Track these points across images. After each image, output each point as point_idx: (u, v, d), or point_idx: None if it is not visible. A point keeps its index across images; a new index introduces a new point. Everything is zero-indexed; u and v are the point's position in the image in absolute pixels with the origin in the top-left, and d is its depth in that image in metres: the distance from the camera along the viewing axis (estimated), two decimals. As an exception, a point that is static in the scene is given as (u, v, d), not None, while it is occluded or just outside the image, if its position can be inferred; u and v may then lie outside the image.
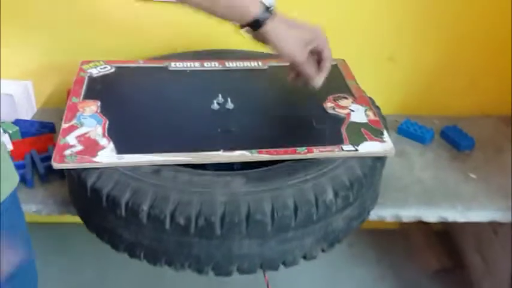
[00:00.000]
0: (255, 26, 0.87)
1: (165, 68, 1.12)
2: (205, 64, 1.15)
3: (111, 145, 0.89)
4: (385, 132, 0.95)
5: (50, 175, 1.06)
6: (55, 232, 1.46)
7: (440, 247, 1.46)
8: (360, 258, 1.44)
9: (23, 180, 1.05)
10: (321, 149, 0.90)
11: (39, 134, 1.16)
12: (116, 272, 1.33)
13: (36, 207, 1.02)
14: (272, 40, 0.89)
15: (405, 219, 1.05)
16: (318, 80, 0.95)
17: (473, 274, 1.38)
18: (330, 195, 0.83)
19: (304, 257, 0.88)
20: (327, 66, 0.95)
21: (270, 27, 0.87)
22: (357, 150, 0.90)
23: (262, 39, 0.90)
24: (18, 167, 1.06)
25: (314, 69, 0.94)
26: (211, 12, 0.87)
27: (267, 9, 0.87)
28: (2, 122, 1.15)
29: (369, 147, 0.92)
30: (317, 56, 0.95)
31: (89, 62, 1.12)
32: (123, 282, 1.35)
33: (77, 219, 0.95)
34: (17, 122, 1.19)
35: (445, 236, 1.51)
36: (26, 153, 1.10)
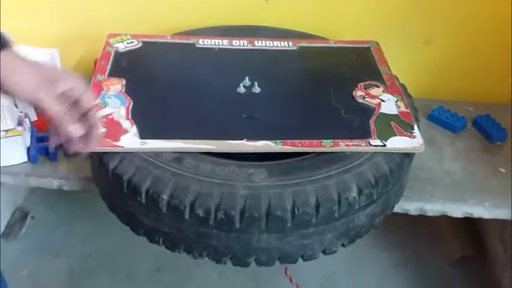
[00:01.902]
0: None
1: (193, 45, 1.10)
2: (233, 42, 1.12)
3: (134, 129, 0.87)
4: (415, 127, 0.92)
5: (74, 149, 1.06)
6: (79, 198, 1.47)
7: (464, 234, 1.43)
8: (383, 241, 1.42)
9: (46, 153, 1.05)
10: (347, 143, 0.87)
11: (64, 105, 1.15)
12: (139, 238, 1.34)
13: (58, 182, 1.03)
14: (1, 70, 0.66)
15: (430, 214, 1.04)
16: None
17: (495, 264, 1.36)
18: (353, 192, 0.81)
19: (324, 252, 0.87)
20: (95, 132, 0.70)
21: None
22: (384, 145, 0.88)
23: None
24: (41, 139, 1.06)
25: (75, 126, 0.69)
26: None
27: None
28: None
29: (398, 143, 0.89)
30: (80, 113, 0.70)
31: (116, 35, 1.10)
32: (147, 248, 1.36)
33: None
34: (42, 91, 1.19)
35: (469, 223, 1.48)
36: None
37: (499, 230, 1.35)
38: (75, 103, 0.71)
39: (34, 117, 1.11)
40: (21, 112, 1.05)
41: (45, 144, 1.05)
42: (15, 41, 0.72)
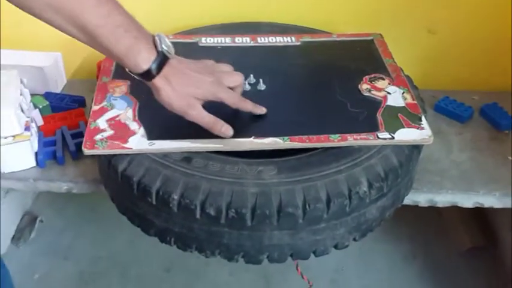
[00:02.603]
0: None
1: (195, 44, 1.10)
2: (236, 40, 1.11)
3: (142, 130, 0.87)
4: (423, 118, 0.92)
5: (81, 152, 1.05)
6: (86, 201, 1.48)
7: (474, 225, 1.43)
8: (392, 234, 1.42)
9: (54, 157, 1.05)
10: (355, 137, 0.87)
11: (69, 109, 1.16)
12: (148, 239, 1.35)
13: (67, 185, 1.02)
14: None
15: (440, 205, 1.03)
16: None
17: (506, 254, 1.36)
18: (364, 186, 0.81)
19: (336, 247, 0.87)
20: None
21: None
22: (393, 138, 0.87)
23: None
24: (48, 143, 1.06)
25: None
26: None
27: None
28: (32, 96, 1.15)
29: (406, 135, 0.88)
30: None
31: (119, 37, 1.09)
32: (156, 249, 1.37)
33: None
34: (47, 96, 1.19)
35: (478, 213, 1.48)
36: (57, 129, 1.10)
37: (510, 219, 1.35)
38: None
39: (40, 121, 1.11)
40: (28, 117, 1.05)
41: (52, 148, 1.05)
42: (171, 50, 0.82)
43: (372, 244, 1.39)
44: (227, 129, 0.85)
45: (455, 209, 1.46)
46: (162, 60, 0.79)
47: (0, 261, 0.90)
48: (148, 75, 0.80)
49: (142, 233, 0.88)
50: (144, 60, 0.78)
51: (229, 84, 0.88)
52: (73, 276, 1.32)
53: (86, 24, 0.75)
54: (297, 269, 1.04)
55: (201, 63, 0.88)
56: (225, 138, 0.86)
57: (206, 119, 0.84)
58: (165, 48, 0.80)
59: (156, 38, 0.80)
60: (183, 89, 0.82)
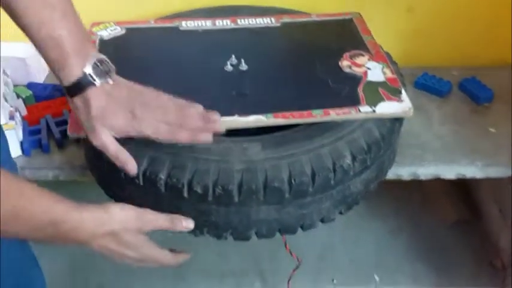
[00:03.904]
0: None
1: (176, 29, 1.10)
2: (216, 23, 1.12)
3: (126, 113, 0.88)
4: (403, 91, 0.93)
5: (66, 140, 1.06)
6: (73, 189, 1.47)
7: (458, 198, 1.46)
8: (377, 211, 1.44)
9: (39, 145, 1.05)
10: (337, 111, 0.88)
11: (52, 98, 1.16)
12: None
13: (53, 173, 1.03)
14: None
15: (423, 177, 1.05)
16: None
17: (491, 226, 1.38)
18: (347, 160, 0.82)
19: (322, 220, 0.88)
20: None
21: None
22: (374, 111, 0.89)
23: None
24: (33, 132, 1.07)
25: (180, 136, 0.79)
26: None
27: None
28: (15, 86, 1.15)
29: (387, 108, 0.90)
30: None
31: (99, 23, 1.10)
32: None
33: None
34: (29, 86, 1.19)
35: (463, 186, 1.51)
36: (41, 118, 1.10)
37: (493, 191, 1.37)
38: None
39: (24, 111, 1.11)
40: (12, 107, 1.05)
41: (37, 136, 1.05)
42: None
43: (359, 221, 1.41)
44: (130, 167, 0.80)
45: (439, 185, 1.49)
46: (85, 82, 0.76)
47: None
48: (68, 92, 0.77)
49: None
50: (66, 76, 0.76)
51: (171, 120, 0.79)
52: (64, 265, 1.32)
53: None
54: (285, 246, 1.06)
55: (145, 92, 0.81)
56: None
57: (110, 148, 0.79)
58: (98, 71, 0.77)
59: (93, 59, 0.77)
60: (97, 115, 0.77)
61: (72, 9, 0.77)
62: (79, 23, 0.77)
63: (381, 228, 1.41)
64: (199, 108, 0.81)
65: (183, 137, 0.79)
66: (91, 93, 0.76)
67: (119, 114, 0.78)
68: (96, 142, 0.79)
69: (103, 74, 0.77)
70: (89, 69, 0.76)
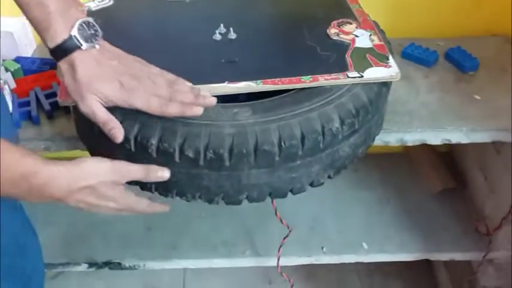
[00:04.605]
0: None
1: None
2: (204, -8, 1.12)
3: (116, 81, 0.88)
4: (390, 57, 0.95)
5: (56, 111, 1.07)
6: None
7: (444, 168, 1.48)
8: (365, 182, 1.47)
9: (29, 117, 1.05)
10: (326, 77, 0.89)
11: (41, 71, 1.16)
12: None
13: (44, 144, 1.03)
14: None
15: (410, 143, 1.07)
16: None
17: (476, 193, 1.41)
18: (336, 123, 0.84)
19: (311, 184, 0.90)
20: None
21: None
22: (362, 76, 0.90)
23: None
24: (23, 104, 1.07)
25: (169, 111, 0.80)
26: None
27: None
28: (4, 60, 1.14)
29: (374, 73, 0.91)
30: None
31: (87, -6, 1.10)
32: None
33: (87, 153, 0.96)
34: (18, 60, 1.19)
35: (448, 157, 1.54)
36: (30, 90, 1.10)
37: (479, 159, 1.40)
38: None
39: (13, 84, 1.11)
40: (1, 79, 1.05)
41: (27, 108, 1.05)
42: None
43: (348, 192, 1.43)
44: (117, 133, 0.80)
45: (426, 154, 1.52)
46: (70, 45, 0.76)
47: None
48: (53, 55, 0.77)
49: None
50: (51, 38, 0.75)
51: (162, 93, 0.80)
52: (56, 239, 1.33)
53: None
54: (276, 214, 1.08)
55: (135, 63, 0.82)
56: (199, 84, 0.87)
57: (97, 114, 0.79)
58: (85, 34, 0.76)
59: (78, 21, 0.76)
60: (83, 80, 0.77)
61: None
62: None
63: (369, 199, 1.43)
64: (188, 84, 0.83)
65: (174, 110, 0.80)
66: (77, 56, 0.76)
67: (106, 82, 0.78)
68: (83, 108, 0.79)
69: (89, 37, 0.77)
70: (74, 31, 0.76)
